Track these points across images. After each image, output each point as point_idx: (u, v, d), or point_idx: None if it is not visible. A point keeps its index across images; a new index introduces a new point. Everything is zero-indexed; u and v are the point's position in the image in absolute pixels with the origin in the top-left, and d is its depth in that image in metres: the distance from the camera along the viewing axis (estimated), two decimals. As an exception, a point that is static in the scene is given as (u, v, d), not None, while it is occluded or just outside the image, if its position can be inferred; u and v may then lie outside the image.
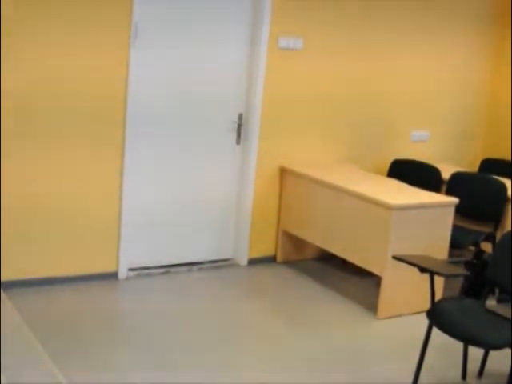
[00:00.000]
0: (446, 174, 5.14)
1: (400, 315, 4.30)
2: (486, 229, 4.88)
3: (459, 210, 4.51)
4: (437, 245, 4.33)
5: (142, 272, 4.68)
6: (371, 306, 4.39)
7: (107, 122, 4.27)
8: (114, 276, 4.52)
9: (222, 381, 3.34)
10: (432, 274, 3.30)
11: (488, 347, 3.28)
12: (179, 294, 4.42)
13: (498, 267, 3.46)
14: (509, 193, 4.76)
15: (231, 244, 5.09)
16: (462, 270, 3.76)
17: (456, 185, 5.01)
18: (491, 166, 5.73)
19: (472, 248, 4.74)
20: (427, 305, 3.35)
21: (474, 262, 4.08)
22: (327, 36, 5.03)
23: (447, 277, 3.89)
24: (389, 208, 4.13)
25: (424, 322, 3.31)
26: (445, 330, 3.16)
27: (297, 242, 5.17)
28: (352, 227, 4.43)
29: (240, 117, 4.88)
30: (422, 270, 3.33)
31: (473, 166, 5.93)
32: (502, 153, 5.86)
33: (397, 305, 4.30)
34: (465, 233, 4.82)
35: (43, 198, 4.17)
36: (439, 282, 4.14)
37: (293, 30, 4.86)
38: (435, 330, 3.23)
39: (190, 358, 3.53)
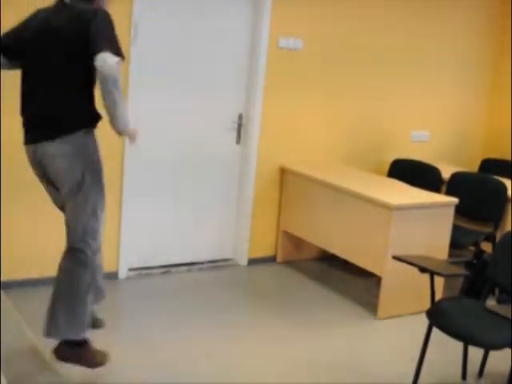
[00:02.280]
0: (446, 174, 5.14)
1: (400, 315, 4.30)
2: (485, 229, 4.89)
3: (459, 210, 4.51)
4: (437, 245, 4.33)
5: (141, 272, 4.68)
6: (371, 306, 4.38)
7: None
8: (114, 276, 4.52)
9: (222, 381, 3.34)
10: (432, 273, 3.30)
11: (488, 347, 3.28)
12: (179, 294, 4.42)
13: (497, 267, 3.46)
14: (509, 193, 4.76)
15: (231, 244, 5.09)
16: (462, 270, 3.76)
17: (456, 185, 5.01)
18: (491, 166, 5.73)
19: (472, 248, 4.74)
20: (427, 305, 3.35)
21: (474, 262, 4.08)
22: (327, 36, 5.03)
23: (447, 277, 3.89)
24: (389, 208, 4.13)
25: (424, 322, 3.30)
26: (445, 329, 3.16)
27: (297, 242, 5.17)
28: (352, 227, 4.43)
29: (240, 117, 4.88)
30: (422, 270, 3.32)
31: (473, 166, 5.93)
32: (502, 153, 5.87)
33: (397, 305, 4.30)
34: (465, 233, 4.82)
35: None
36: (439, 282, 4.14)
37: (293, 30, 4.86)
38: (435, 330, 3.23)
39: (190, 358, 3.53)
